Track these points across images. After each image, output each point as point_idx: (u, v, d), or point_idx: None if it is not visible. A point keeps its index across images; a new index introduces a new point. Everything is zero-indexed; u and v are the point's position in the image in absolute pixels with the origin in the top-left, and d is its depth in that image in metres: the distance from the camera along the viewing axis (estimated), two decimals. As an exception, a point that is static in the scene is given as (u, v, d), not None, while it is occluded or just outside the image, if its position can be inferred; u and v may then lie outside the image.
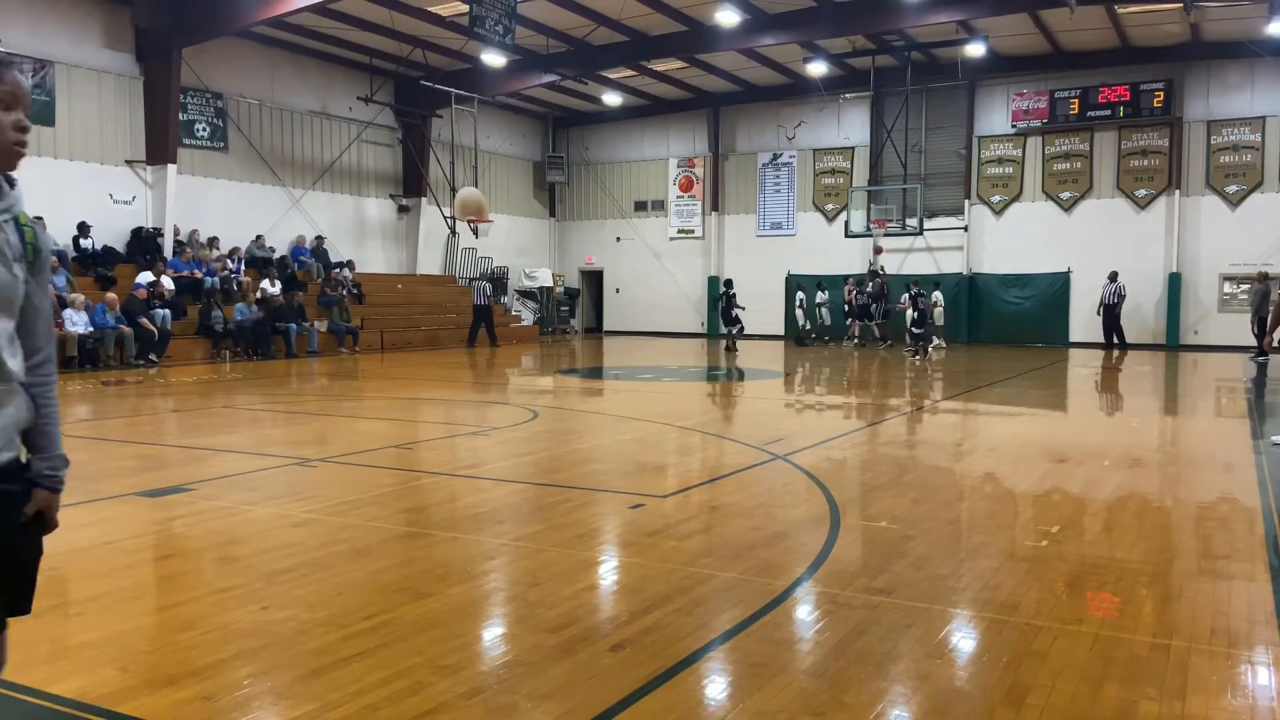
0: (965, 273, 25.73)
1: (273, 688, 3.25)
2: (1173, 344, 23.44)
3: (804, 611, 4.14)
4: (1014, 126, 25.24)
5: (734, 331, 22.67)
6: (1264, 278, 20.45)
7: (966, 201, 25.85)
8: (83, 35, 19.02)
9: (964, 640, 3.80)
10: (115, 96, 19.58)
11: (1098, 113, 24.14)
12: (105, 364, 16.34)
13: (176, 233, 20.40)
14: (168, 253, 19.85)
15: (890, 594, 4.26)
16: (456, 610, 4.09)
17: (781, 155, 28.40)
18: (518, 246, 30.15)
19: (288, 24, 20.90)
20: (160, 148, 19.88)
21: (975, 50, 22.67)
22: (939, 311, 23.76)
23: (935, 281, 24.75)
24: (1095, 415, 12.35)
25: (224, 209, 21.61)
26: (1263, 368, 17.45)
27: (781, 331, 27.71)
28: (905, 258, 26.65)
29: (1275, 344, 15.58)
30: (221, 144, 21.82)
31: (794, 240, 28.09)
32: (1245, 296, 22.23)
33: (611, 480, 7.16)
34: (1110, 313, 23.18)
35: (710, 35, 22.18)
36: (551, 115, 31.03)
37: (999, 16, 20.91)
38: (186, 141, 20.85)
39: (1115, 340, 23.20)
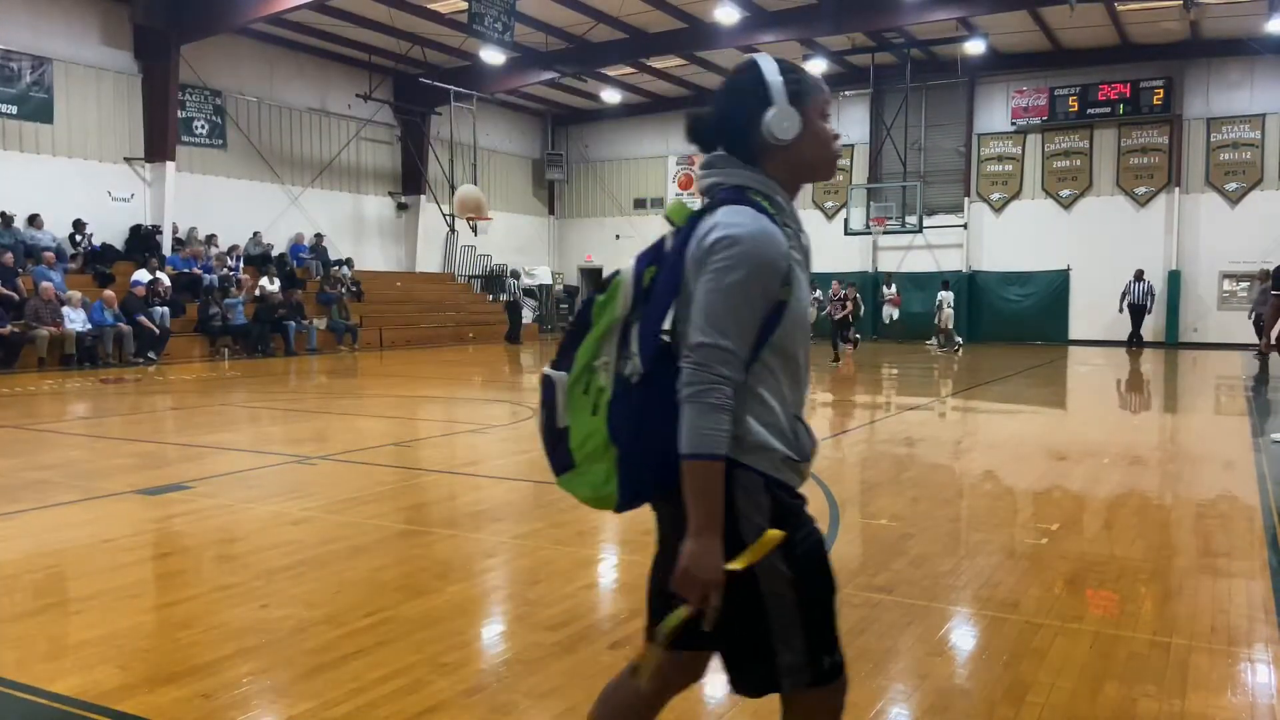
0: (965, 270, 25.73)
1: (272, 685, 3.24)
2: (1172, 341, 23.45)
3: (804, 609, 4.13)
4: (1013, 124, 25.23)
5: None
6: (1265, 276, 20.26)
7: (966, 199, 25.85)
8: (81, 33, 19.00)
9: (964, 638, 3.80)
10: (114, 94, 19.57)
11: (1097, 110, 24.14)
12: (104, 362, 16.34)
13: (175, 230, 20.39)
14: (166, 250, 19.85)
15: (890, 592, 4.26)
16: (456, 608, 4.08)
17: (781, 153, 28.33)
18: (517, 244, 30.12)
19: (286, 21, 20.90)
20: (159, 145, 19.87)
21: (975, 48, 22.67)
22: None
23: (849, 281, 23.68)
24: (1095, 413, 12.34)
25: (222, 206, 21.59)
26: (1263, 365, 17.42)
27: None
28: (905, 255, 26.66)
29: (1275, 342, 15.56)
30: (220, 141, 21.80)
31: (793, 238, 28.04)
32: (1245, 294, 22.20)
33: (611, 478, 7.15)
34: (1140, 311, 23.07)
35: (710, 33, 22.16)
36: (551, 113, 31.00)
37: (999, 14, 20.91)
38: (185, 139, 20.84)
39: (1134, 337, 23.08)
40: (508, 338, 24.33)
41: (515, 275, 26.65)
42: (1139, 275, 23.07)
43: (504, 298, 25.18)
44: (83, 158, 19.18)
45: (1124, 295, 23.17)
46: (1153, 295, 23.19)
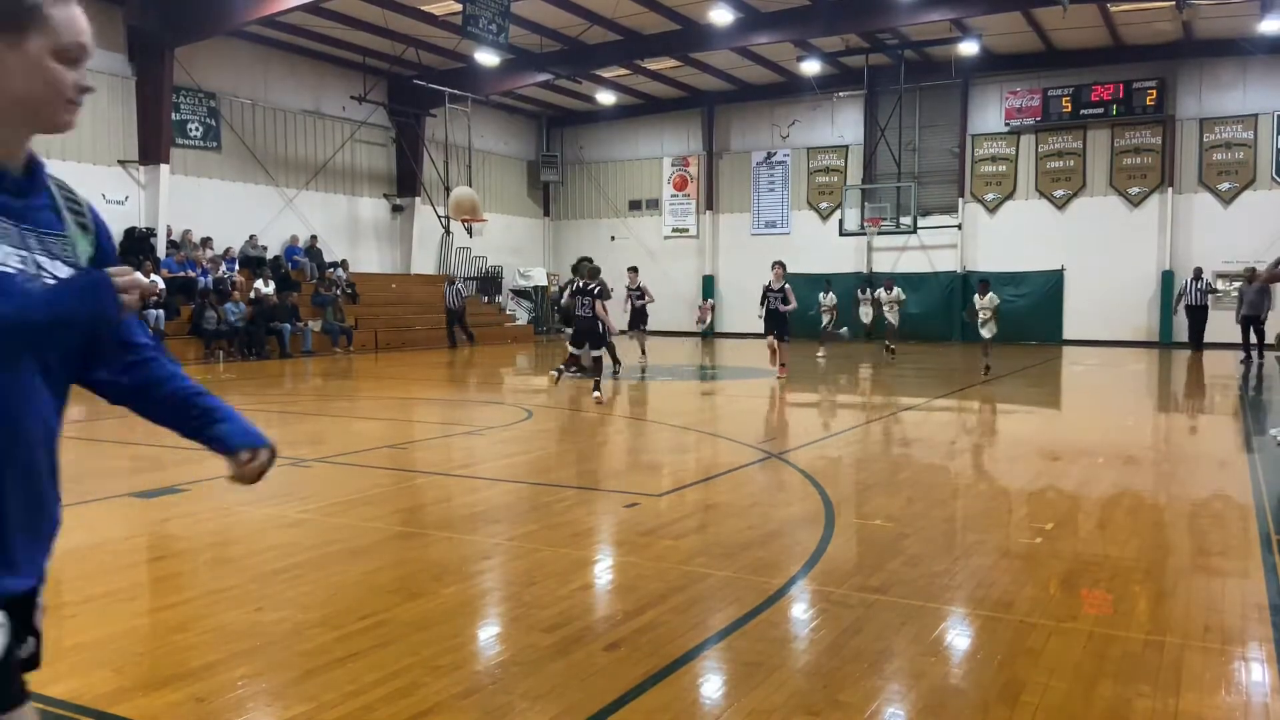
0: (959, 270, 25.77)
1: (267, 689, 3.24)
2: (1165, 341, 23.48)
3: (799, 610, 4.14)
4: (1007, 124, 25.28)
5: (566, 331, 14.84)
6: (1253, 275, 19.67)
7: (960, 200, 25.89)
8: (74, 35, 18.92)
9: (959, 638, 3.81)
10: (108, 96, 19.51)
11: (1091, 111, 24.20)
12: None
13: (169, 233, 20.35)
14: (161, 253, 19.80)
15: (885, 592, 4.26)
16: (451, 610, 4.09)
17: (775, 154, 28.42)
18: (512, 246, 30.12)
19: (280, 23, 20.86)
20: (153, 148, 19.81)
21: (968, 49, 22.70)
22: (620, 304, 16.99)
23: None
24: (1089, 413, 12.36)
25: (217, 209, 21.54)
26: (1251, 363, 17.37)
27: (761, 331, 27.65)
28: (899, 256, 26.69)
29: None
30: (214, 144, 21.76)
31: (788, 239, 28.08)
32: (1236, 294, 22.04)
33: (606, 479, 7.17)
34: (1199, 313, 21.66)
35: (704, 34, 22.17)
36: (545, 114, 31.01)
37: (992, 15, 20.94)
38: (179, 141, 20.79)
39: (1196, 339, 21.70)
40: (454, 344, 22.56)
41: (450, 281, 24.52)
42: (1197, 274, 21.91)
43: (454, 302, 23.43)
44: (76, 160, 19.10)
45: (1179, 297, 22.14)
46: (1213, 293, 21.88)
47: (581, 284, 12.32)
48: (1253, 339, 18.55)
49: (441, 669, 3.37)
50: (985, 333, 16.14)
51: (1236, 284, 22.02)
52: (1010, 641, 3.66)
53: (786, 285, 15.30)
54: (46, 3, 1.48)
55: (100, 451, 8.25)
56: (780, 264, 15.66)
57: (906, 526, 5.52)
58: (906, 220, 25.01)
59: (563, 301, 13.98)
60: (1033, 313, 25.04)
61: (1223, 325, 22.50)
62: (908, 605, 4.09)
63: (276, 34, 21.94)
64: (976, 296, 16.48)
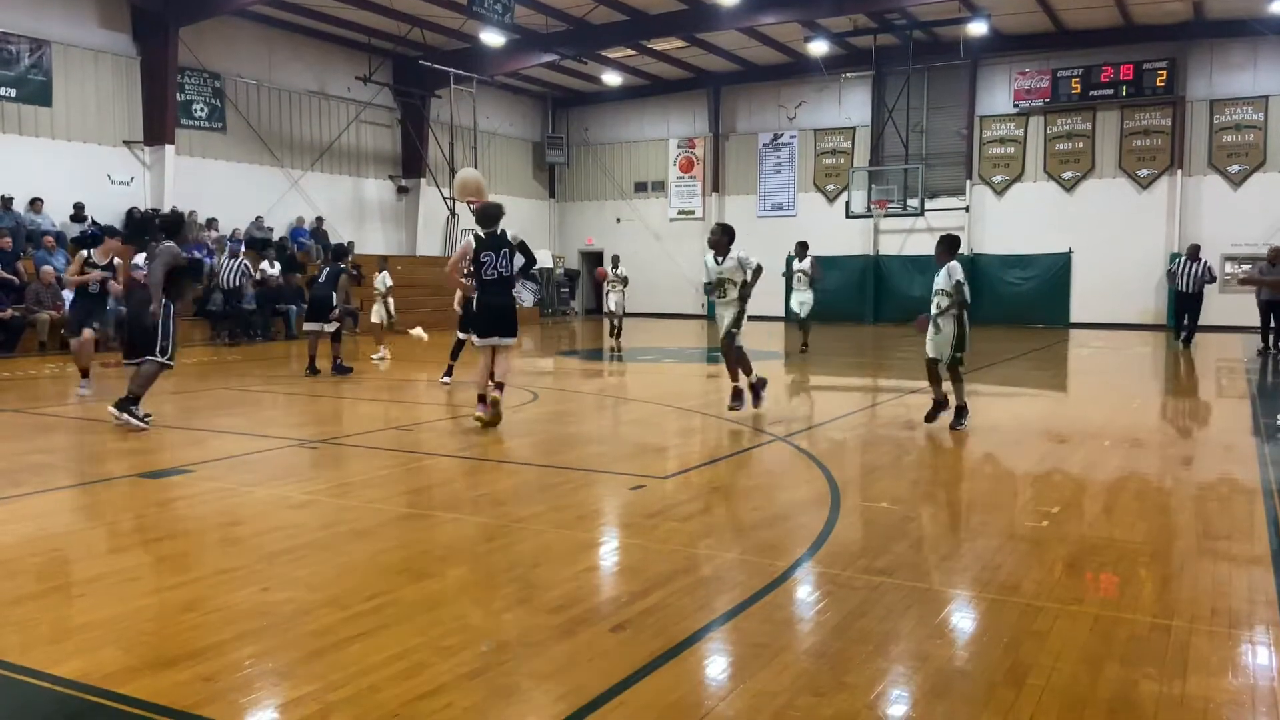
0: (966, 253, 25.64)
1: (274, 668, 3.25)
2: (1173, 324, 23.37)
3: (805, 592, 4.14)
4: (1016, 106, 25.13)
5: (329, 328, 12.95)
6: (1277, 256, 18.55)
7: (968, 182, 25.76)
8: (79, 15, 18.90)
9: (964, 620, 3.81)
10: (112, 77, 19.48)
11: (1100, 92, 24.04)
12: (105, 346, 16.30)
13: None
14: (166, 234, 19.78)
15: (891, 574, 4.26)
16: (457, 591, 4.10)
17: (782, 135, 28.29)
18: (517, 228, 29.87)
19: (285, 3, 20.80)
20: (158, 128, 19.79)
21: (977, 29, 22.53)
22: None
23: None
24: (1095, 396, 12.33)
25: (222, 190, 21.52)
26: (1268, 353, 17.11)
27: (782, 313, 27.60)
28: (906, 238, 26.60)
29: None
30: (219, 124, 21.72)
31: (795, 221, 27.97)
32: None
33: (612, 461, 7.16)
34: (1192, 302, 18.12)
35: (710, 14, 22.04)
36: (551, 95, 30.88)
37: (1001, -6, 20.80)
38: (184, 122, 20.75)
39: (1187, 326, 18.26)
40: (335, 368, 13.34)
41: (341, 254, 14.91)
42: (1193, 253, 18.08)
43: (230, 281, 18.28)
44: (82, 141, 19.12)
45: (1172, 277, 18.80)
46: (1211, 278, 18.18)
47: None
48: (1273, 323, 17.63)
49: (448, 649, 3.38)
50: (796, 306, 14.54)
51: (1246, 267, 21.74)
52: (1016, 624, 3.66)
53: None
54: None
55: (107, 432, 8.27)
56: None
57: (912, 509, 5.51)
58: (914, 202, 24.89)
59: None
60: (1040, 295, 24.97)
61: (1226, 308, 22.38)
62: (913, 588, 4.09)
63: (280, 14, 21.86)
64: (795, 260, 15.46)
